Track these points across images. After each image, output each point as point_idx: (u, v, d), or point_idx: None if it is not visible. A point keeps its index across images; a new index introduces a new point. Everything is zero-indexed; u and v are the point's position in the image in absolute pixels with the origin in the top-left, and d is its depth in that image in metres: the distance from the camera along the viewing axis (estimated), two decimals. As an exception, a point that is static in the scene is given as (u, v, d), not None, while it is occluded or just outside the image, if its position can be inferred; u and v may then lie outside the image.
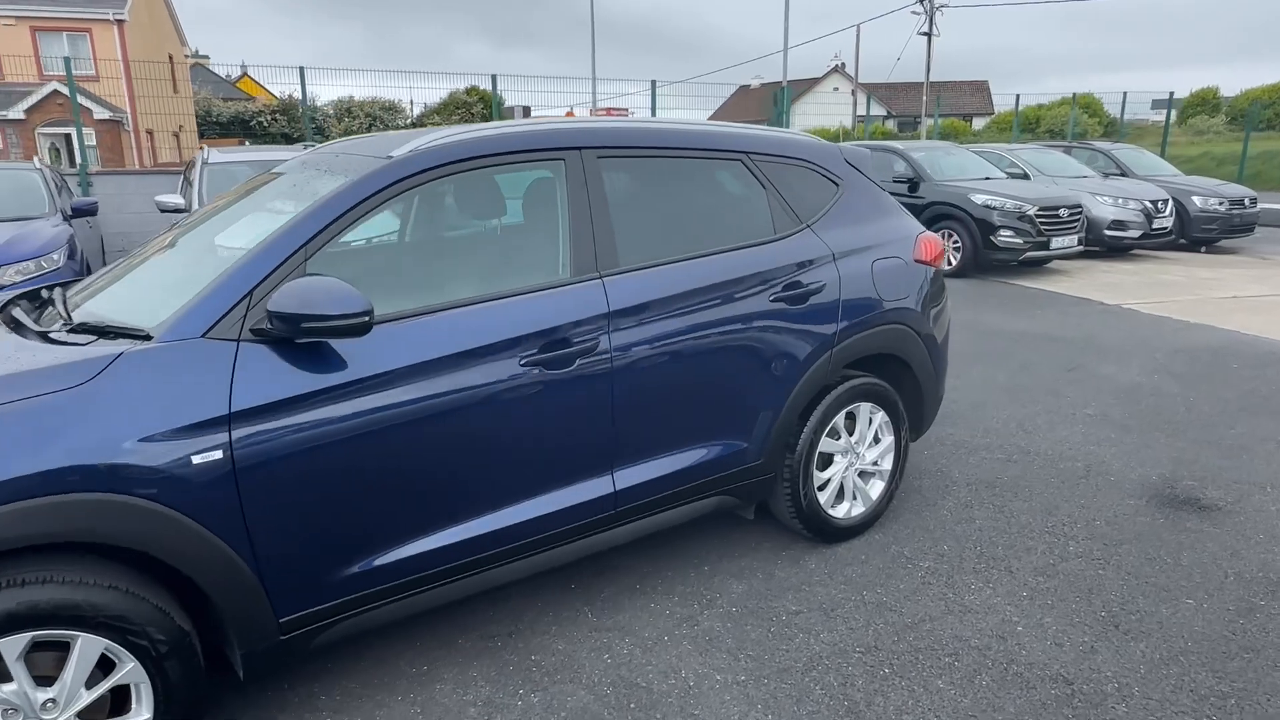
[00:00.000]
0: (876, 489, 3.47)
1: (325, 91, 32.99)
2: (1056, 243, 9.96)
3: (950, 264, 10.00)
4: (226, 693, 2.42)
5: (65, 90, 23.31)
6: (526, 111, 25.92)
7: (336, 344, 2.13)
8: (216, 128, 36.58)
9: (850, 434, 3.33)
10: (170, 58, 30.08)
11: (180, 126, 30.46)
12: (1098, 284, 9.53)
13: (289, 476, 2.06)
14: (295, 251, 2.15)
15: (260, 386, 2.02)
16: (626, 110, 22.78)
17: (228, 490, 1.98)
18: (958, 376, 5.70)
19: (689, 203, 3.02)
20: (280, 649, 2.16)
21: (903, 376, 3.46)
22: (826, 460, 3.29)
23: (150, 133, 27.36)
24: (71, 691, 1.89)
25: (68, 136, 23.81)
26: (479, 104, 34.61)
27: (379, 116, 34.89)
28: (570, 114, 25.16)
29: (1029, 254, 9.82)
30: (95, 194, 11.04)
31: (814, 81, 51.74)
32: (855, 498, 3.41)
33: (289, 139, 33.75)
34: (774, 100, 15.87)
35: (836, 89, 49.83)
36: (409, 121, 33.05)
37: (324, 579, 2.18)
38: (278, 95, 34.37)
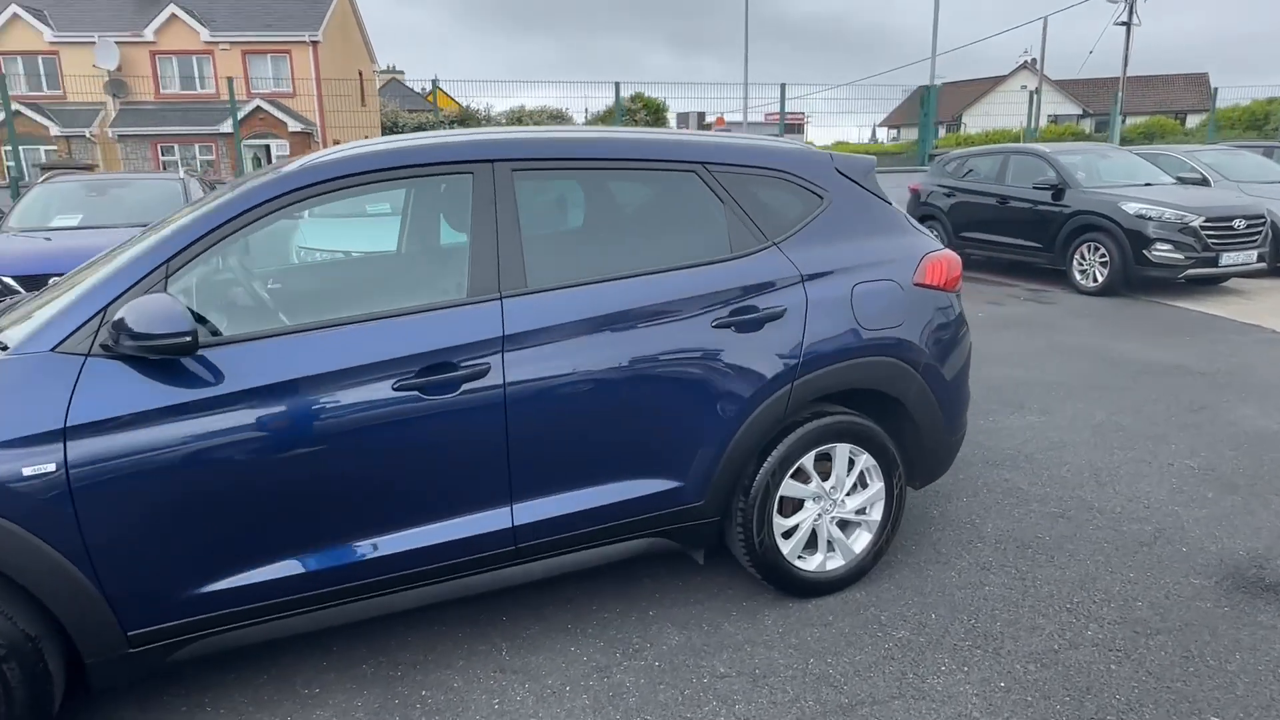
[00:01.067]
0: (861, 542, 3.07)
1: (504, 102, 34.80)
2: (1228, 259, 8.61)
3: (1096, 280, 8.90)
4: (121, 699, 2.49)
5: (266, 106, 26.07)
6: (700, 118, 25.92)
7: (190, 362, 2.12)
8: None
9: (825, 478, 2.96)
10: (360, 74, 32.78)
11: (365, 137, 33.07)
12: (1276, 308, 8.15)
13: (130, 493, 2.06)
14: (156, 268, 2.15)
15: (101, 402, 2.03)
16: (722, 120, 22.30)
17: (62, 503, 2.00)
18: (1046, 413, 5.02)
19: (622, 218, 2.79)
20: (132, 661, 2.18)
21: (899, 415, 3.04)
22: (796, 505, 2.94)
23: (337, 143, 29.95)
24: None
25: (267, 147, 26.56)
26: (643, 110, 35.26)
27: (545, 125, 36.40)
28: (720, 121, 24.99)
29: (1192, 271, 8.56)
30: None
31: (998, 80, 48.45)
32: (832, 549, 3.03)
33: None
34: (920, 102, 14.87)
35: (1024, 87, 46.31)
36: (577, 130, 34.21)
37: (172, 596, 2.17)
38: (463, 106, 36.56)
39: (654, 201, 2.87)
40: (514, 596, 2.99)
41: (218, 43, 26.71)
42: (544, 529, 2.54)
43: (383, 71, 51.01)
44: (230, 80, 16.54)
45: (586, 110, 34.31)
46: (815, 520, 2.96)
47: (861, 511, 3.04)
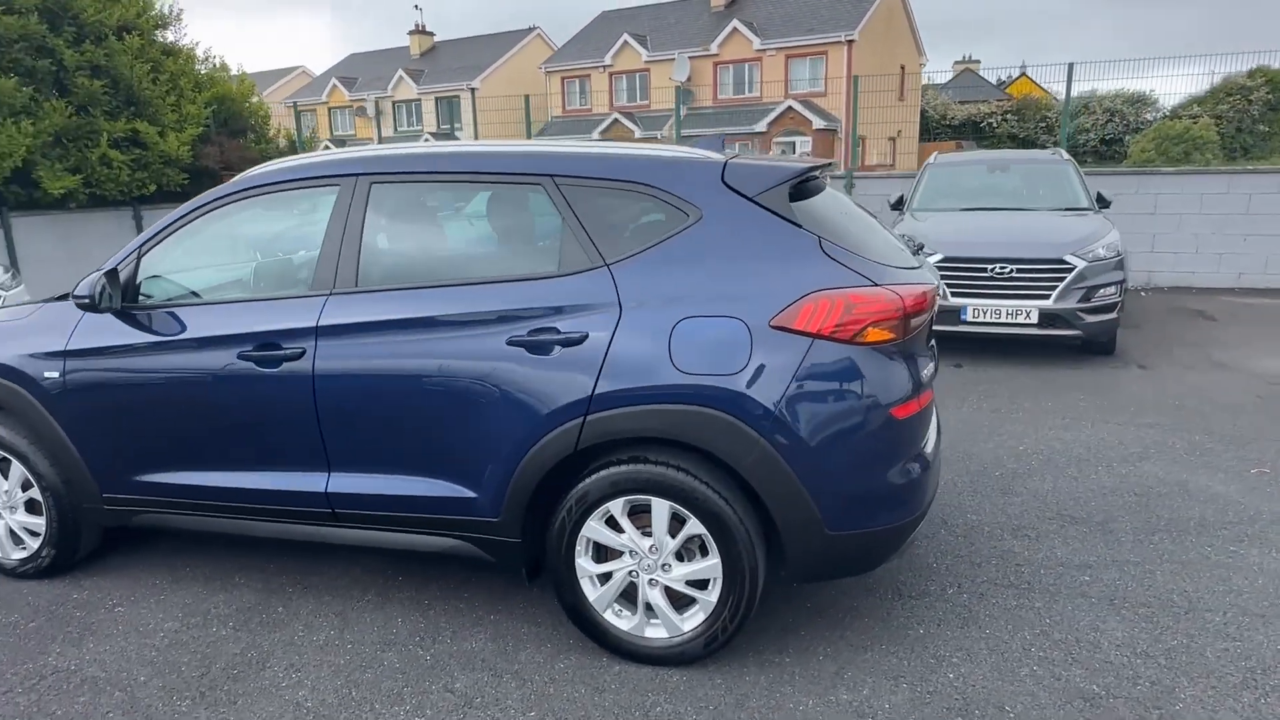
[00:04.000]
0: (693, 621, 2.61)
1: (1106, 85, 31.10)
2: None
3: None
4: (151, 566, 3.61)
5: (797, 106, 28.05)
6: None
7: (122, 318, 3.00)
8: (949, 131, 38.35)
9: (645, 532, 2.60)
10: (902, 68, 32.78)
11: (899, 132, 33.05)
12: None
13: (91, 398, 3.06)
14: (132, 252, 3.08)
15: (82, 338, 3.06)
16: None
17: (64, 398, 3.09)
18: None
19: (465, 230, 2.83)
20: (108, 514, 3.21)
21: (761, 478, 2.47)
22: (616, 554, 2.66)
23: (863, 139, 30.60)
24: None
25: (793, 144, 28.61)
26: (1265, 87, 28.35)
27: (1118, 111, 31.61)
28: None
29: None
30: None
31: None
32: (654, 616, 2.65)
33: (1016, 140, 33.35)
34: None
35: None
36: (1161, 114, 29.08)
37: (121, 477, 3.12)
38: (1048, 92, 33.95)
39: (499, 214, 2.84)
40: (377, 568, 3.33)
41: (766, 50, 29.58)
42: (352, 501, 2.85)
43: (958, 63, 49.84)
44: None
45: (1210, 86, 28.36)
46: (630, 575, 2.64)
47: (699, 586, 2.59)
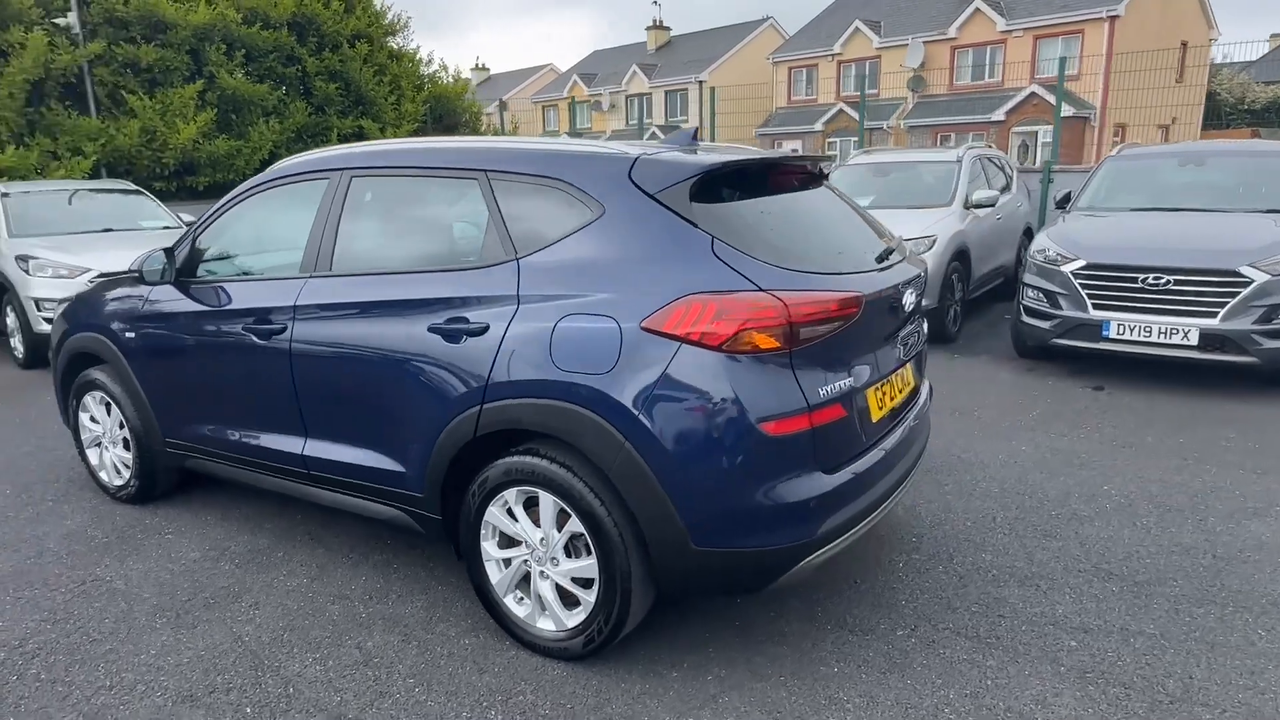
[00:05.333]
0: (575, 619, 2.61)
1: None
2: None
3: None
4: (202, 502, 4.19)
5: (1040, 91, 25.46)
6: None
7: (176, 289, 3.52)
8: (1246, 116, 33.06)
9: (537, 525, 2.63)
10: (1183, 45, 28.55)
11: (1172, 119, 28.89)
12: None
13: (152, 355, 3.63)
14: (188, 233, 3.60)
15: (151, 305, 3.63)
16: None
17: (136, 354, 3.70)
18: None
19: (407, 221, 2.98)
20: (167, 456, 3.80)
21: (626, 483, 2.42)
22: (517, 541, 2.72)
23: (1122, 127, 27.06)
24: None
25: (1034, 134, 26.00)
26: None
27: None
28: None
29: None
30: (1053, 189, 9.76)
31: None
32: (544, 609, 2.68)
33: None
34: None
35: None
36: None
37: (174, 424, 3.68)
38: None
39: (444, 207, 2.95)
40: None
41: (1011, 31, 27.06)
42: (321, 465, 3.15)
43: (1275, 35, 42.57)
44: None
45: None
46: (525, 565, 2.69)
47: (584, 585, 2.58)
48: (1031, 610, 2.90)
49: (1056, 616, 2.85)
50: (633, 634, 2.69)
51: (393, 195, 3.08)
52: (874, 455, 2.62)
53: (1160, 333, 5.30)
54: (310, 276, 3.11)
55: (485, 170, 2.78)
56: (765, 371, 2.28)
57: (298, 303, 3.09)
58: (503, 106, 18.61)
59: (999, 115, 26.21)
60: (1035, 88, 25.65)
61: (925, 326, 3.26)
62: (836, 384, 2.43)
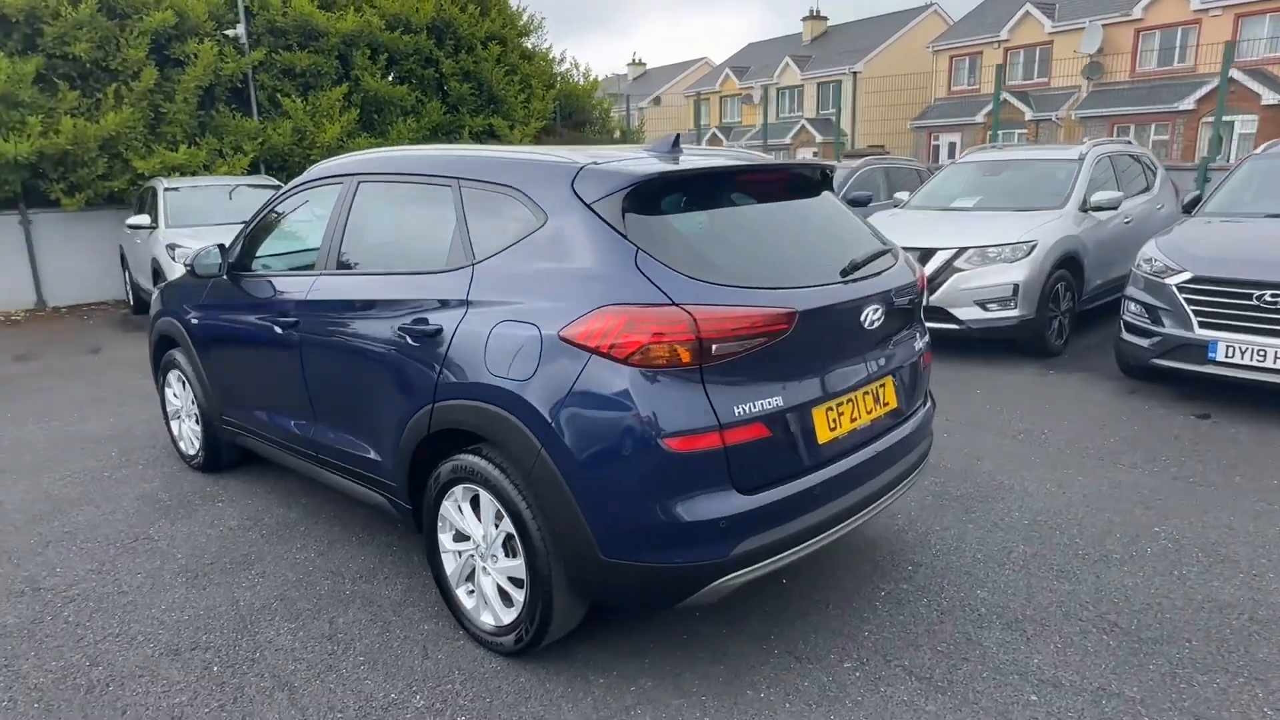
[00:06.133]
0: (509, 616, 2.68)
1: None
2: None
3: None
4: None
5: (1240, 76, 22.70)
6: None
7: (226, 280, 3.89)
8: None
9: (480, 522, 2.72)
10: None
11: None
12: None
13: (208, 340, 4.04)
14: (240, 231, 3.96)
15: (210, 295, 4.03)
16: None
17: (197, 339, 4.13)
18: None
19: (395, 224, 3.12)
20: (225, 432, 4.20)
21: (542, 488, 2.46)
22: (464, 535, 2.83)
23: (1341, 115, 23.59)
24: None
25: (1233, 124, 23.23)
26: None
27: None
28: None
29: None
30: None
31: None
32: (487, 604, 2.76)
33: None
34: None
35: None
36: None
37: (224, 403, 4.07)
38: None
39: (425, 212, 3.06)
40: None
41: (1209, 9, 24.26)
42: (324, 449, 3.40)
43: None
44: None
45: None
46: (471, 558, 2.79)
47: (517, 584, 2.65)
48: (1003, 657, 2.67)
49: (1028, 667, 2.62)
50: (580, 635, 2.74)
51: (386, 200, 3.26)
52: (817, 477, 2.51)
53: (1277, 357, 4.67)
54: (320, 274, 3.35)
55: (457, 178, 2.89)
56: (673, 387, 2.25)
57: (308, 297, 3.34)
58: (656, 102, 18.86)
59: (1188, 104, 23.63)
60: (1235, 72, 22.84)
61: (920, 342, 3.07)
62: (759, 402, 2.35)
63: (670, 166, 2.56)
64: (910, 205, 7.84)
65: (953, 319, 6.38)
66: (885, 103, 25.82)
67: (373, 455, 3.12)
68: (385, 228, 3.30)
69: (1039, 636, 2.78)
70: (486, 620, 2.77)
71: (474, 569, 2.81)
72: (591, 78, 15.59)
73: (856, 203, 8.91)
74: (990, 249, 6.36)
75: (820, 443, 2.54)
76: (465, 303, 2.66)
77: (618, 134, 16.28)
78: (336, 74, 12.14)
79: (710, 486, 2.30)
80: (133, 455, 4.86)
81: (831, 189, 3.17)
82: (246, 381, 3.89)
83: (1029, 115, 27.82)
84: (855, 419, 2.68)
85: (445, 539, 2.88)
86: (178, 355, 4.41)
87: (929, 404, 3.21)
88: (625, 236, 2.41)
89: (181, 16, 10.80)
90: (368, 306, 3.06)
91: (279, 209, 3.84)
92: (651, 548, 2.31)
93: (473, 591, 2.85)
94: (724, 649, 2.76)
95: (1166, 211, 8.36)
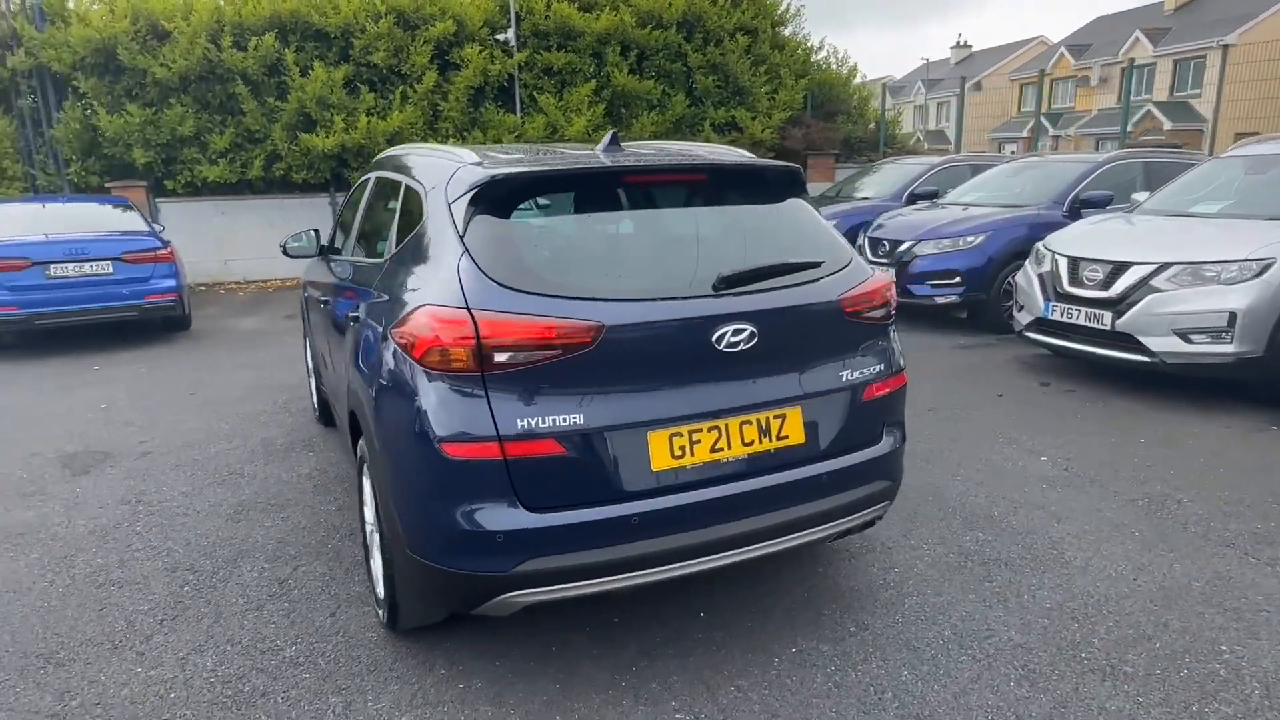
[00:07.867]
0: (382, 593, 2.82)
1: None
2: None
3: None
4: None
5: None
6: None
7: (322, 260, 4.45)
8: None
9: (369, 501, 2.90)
10: None
11: None
12: None
13: (309, 312, 4.66)
14: (335, 221, 4.49)
15: (309, 275, 4.65)
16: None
17: (305, 310, 4.79)
18: None
19: (368, 217, 3.37)
20: (320, 390, 4.84)
21: (375, 476, 2.58)
22: (383, 512, 3.02)
23: None
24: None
25: None
26: None
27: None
28: None
29: None
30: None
31: None
32: (376, 581, 2.92)
33: None
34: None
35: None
36: None
37: (318, 370, 4.68)
38: None
39: (383, 205, 3.25)
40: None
41: None
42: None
43: None
44: None
45: None
46: (372, 533, 2.97)
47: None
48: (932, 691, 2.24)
49: (979, 706, 2.17)
50: (504, 622, 2.78)
51: (379, 194, 3.54)
52: (640, 507, 2.30)
53: None
54: (346, 259, 3.74)
55: (405, 174, 3.06)
56: (454, 391, 2.21)
57: (338, 280, 3.74)
58: (977, 87, 17.53)
59: None
60: None
61: (858, 371, 2.63)
62: (553, 418, 2.21)
63: (515, 170, 2.48)
64: (1142, 209, 6.49)
65: (1142, 349, 5.21)
66: (1259, 77, 21.05)
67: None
68: (371, 221, 3.59)
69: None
70: (378, 592, 2.94)
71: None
72: (850, 65, 14.88)
73: (1090, 204, 7.60)
74: (1207, 266, 5.07)
75: (655, 469, 2.32)
76: (372, 293, 2.84)
77: (871, 125, 15.35)
78: (590, 71, 12.95)
79: (491, 498, 2.23)
80: (291, 405, 5.77)
81: (798, 193, 2.83)
82: (318, 351, 4.45)
83: None
84: (720, 450, 2.40)
85: (367, 512, 3.09)
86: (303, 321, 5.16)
87: (887, 441, 2.74)
88: (462, 239, 2.40)
89: (460, 24, 12.26)
90: (344, 290, 3.37)
91: (351, 199, 4.32)
92: (439, 550, 2.31)
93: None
94: (646, 650, 2.64)
95: None
